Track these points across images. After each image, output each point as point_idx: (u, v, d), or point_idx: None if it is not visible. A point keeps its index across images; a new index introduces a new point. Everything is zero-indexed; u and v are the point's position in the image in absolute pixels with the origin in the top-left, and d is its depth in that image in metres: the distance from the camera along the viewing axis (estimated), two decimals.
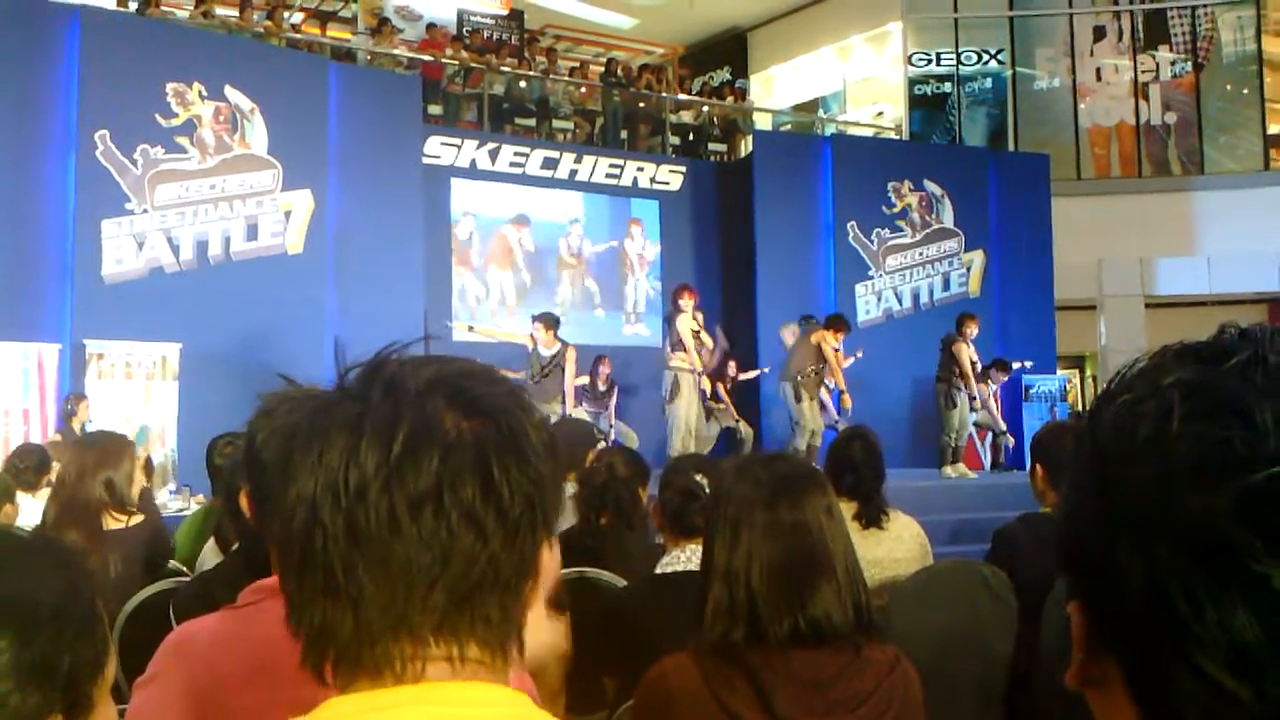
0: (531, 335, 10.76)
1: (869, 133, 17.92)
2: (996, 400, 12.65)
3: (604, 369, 11.95)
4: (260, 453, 1.71)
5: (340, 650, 0.89)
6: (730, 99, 17.07)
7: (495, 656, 0.90)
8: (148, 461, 5.19)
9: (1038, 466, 3.77)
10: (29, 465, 5.51)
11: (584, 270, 14.14)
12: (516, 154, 13.69)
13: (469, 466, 0.88)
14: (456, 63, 14.25)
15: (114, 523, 3.63)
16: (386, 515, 0.86)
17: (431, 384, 0.91)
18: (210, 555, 3.63)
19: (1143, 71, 17.93)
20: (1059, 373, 15.96)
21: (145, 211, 10.39)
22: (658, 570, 2.89)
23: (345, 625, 0.88)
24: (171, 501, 8.70)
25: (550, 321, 10.67)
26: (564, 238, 14.05)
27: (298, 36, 13.77)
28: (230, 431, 3.28)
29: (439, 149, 13.10)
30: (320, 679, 0.90)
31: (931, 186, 14.87)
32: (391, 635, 0.87)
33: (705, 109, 16.53)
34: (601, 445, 5.27)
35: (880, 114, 18.97)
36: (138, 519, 3.79)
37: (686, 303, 10.66)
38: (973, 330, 11.71)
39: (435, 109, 13.57)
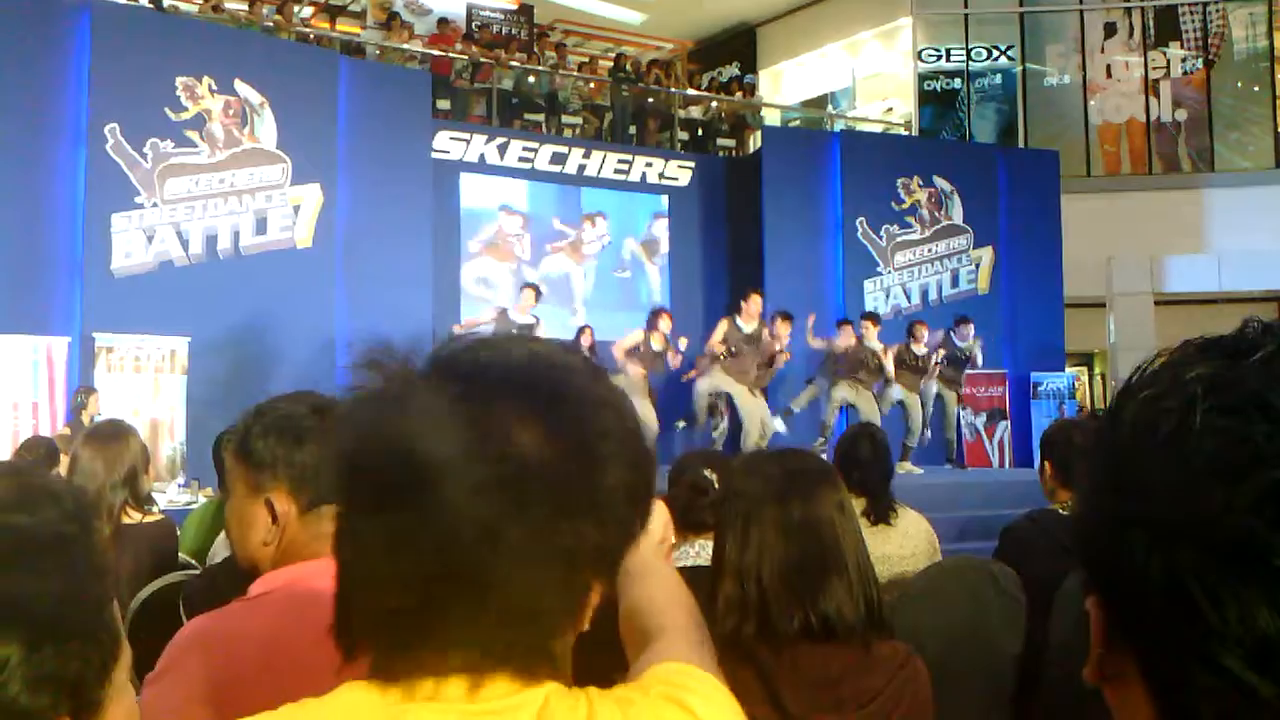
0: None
1: (878, 129, 17.88)
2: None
3: (585, 340, 11.83)
4: (250, 444, 1.74)
5: (365, 633, 0.88)
6: (739, 94, 17.04)
7: (523, 685, 0.88)
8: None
9: (1046, 464, 3.76)
10: (38, 458, 5.51)
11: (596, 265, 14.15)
12: (525, 149, 13.69)
13: (537, 500, 0.85)
14: (466, 57, 14.24)
15: (128, 518, 3.64)
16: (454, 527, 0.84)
17: (522, 387, 0.88)
18: (221, 548, 3.64)
19: (1153, 68, 17.88)
20: (1068, 370, 15.94)
21: (155, 205, 10.41)
22: None
23: (369, 609, 0.87)
24: (180, 495, 8.71)
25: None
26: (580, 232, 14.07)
27: (307, 31, 13.77)
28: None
29: (448, 144, 13.10)
30: (345, 652, 0.89)
31: (941, 183, 14.84)
32: (419, 643, 0.86)
33: (714, 104, 16.51)
34: None
35: (890, 110, 18.93)
36: (154, 517, 3.80)
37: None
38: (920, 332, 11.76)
39: (444, 104, 13.56)
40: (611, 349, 10.70)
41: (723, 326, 10.69)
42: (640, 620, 1.22)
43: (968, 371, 12.63)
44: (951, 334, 12.22)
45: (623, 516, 0.90)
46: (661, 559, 1.29)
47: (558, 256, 13.92)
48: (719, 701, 1.00)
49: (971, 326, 12.29)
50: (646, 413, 10.39)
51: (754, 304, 10.76)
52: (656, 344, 10.83)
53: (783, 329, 11.32)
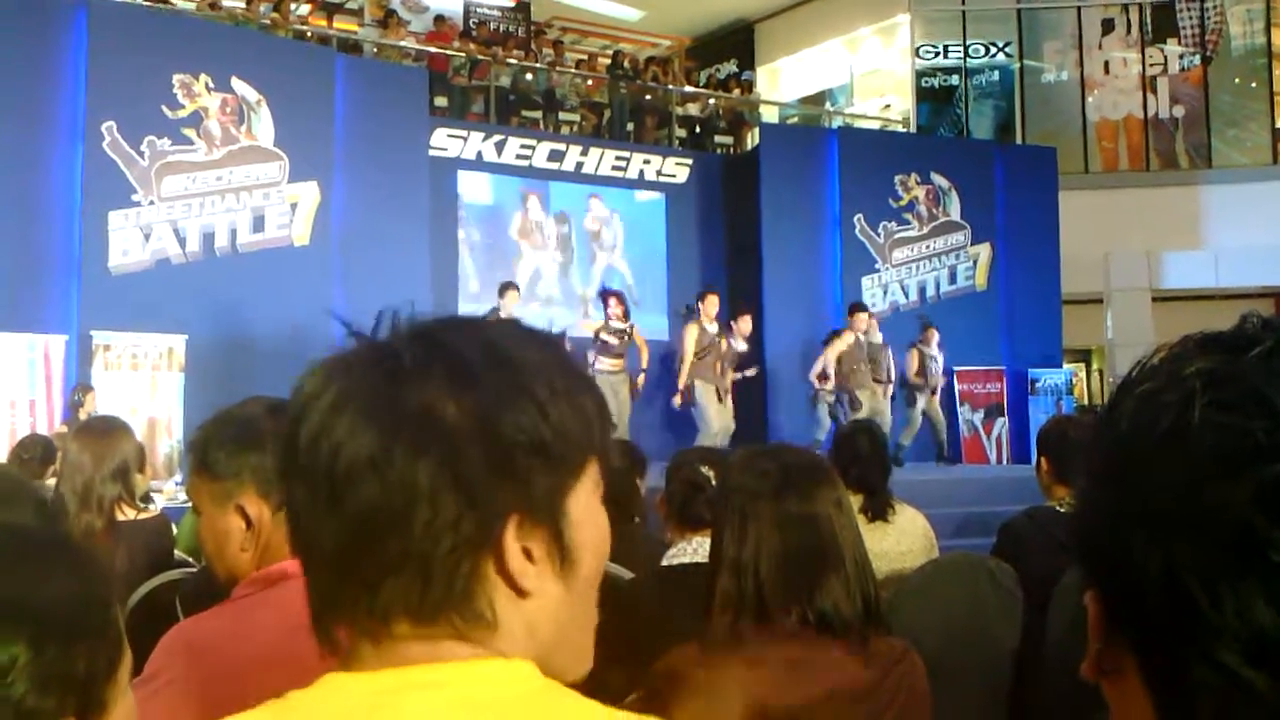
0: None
1: (876, 125, 17.88)
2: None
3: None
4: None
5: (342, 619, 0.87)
6: (737, 91, 17.05)
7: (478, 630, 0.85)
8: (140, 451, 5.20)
9: (1043, 460, 3.77)
10: (34, 456, 5.52)
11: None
12: (523, 146, 13.67)
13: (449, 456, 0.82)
14: (463, 55, 14.24)
15: (123, 515, 3.63)
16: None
17: (450, 367, 0.86)
18: None
19: (1151, 64, 17.88)
20: (1065, 366, 15.94)
21: (152, 203, 10.40)
22: (664, 562, 2.89)
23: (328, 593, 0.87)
24: (178, 492, 8.71)
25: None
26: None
27: (304, 28, 13.76)
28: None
29: (445, 141, 13.09)
30: (331, 647, 0.87)
31: (938, 179, 14.83)
32: (363, 616, 0.85)
33: (712, 101, 16.51)
34: None
35: (887, 107, 18.94)
36: (148, 513, 3.79)
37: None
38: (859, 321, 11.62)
39: (442, 101, 13.56)
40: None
41: (693, 332, 10.67)
42: None
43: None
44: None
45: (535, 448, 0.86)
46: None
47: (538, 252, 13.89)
48: None
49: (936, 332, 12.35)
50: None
51: (710, 304, 10.78)
52: (614, 329, 10.87)
53: (743, 326, 11.37)
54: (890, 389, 11.67)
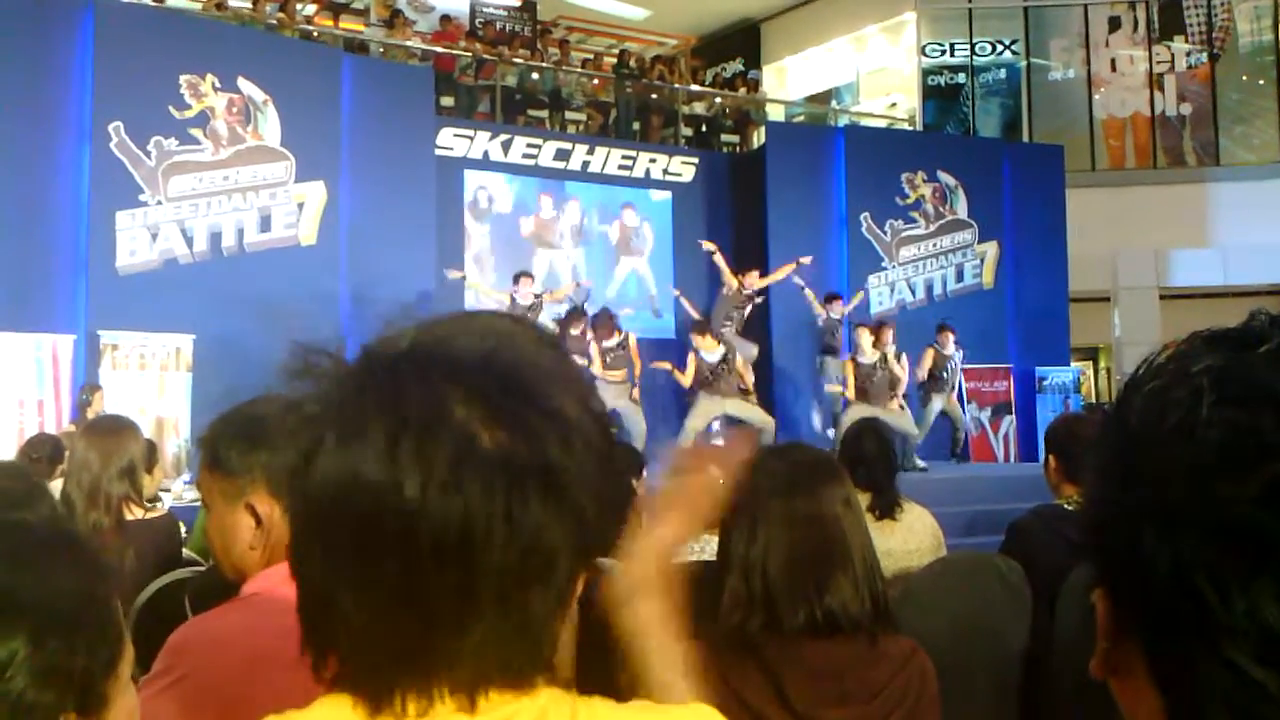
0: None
1: (882, 124, 17.87)
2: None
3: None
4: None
5: (341, 661, 0.84)
6: (743, 90, 17.04)
7: (517, 695, 0.84)
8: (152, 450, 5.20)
9: (1051, 458, 3.75)
10: (42, 455, 5.53)
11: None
12: (529, 145, 13.68)
13: (495, 506, 0.79)
14: (469, 54, 14.24)
15: (131, 514, 3.64)
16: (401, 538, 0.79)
17: (472, 388, 0.81)
18: None
19: (1158, 62, 17.84)
20: (1073, 364, 15.92)
21: (159, 203, 10.42)
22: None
23: (344, 644, 0.83)
24: (186, 492, 8.72)
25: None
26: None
27: (311, 28, 13.77)
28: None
29: (452, 140, 13.10)
30: (316, 672, 0.84)
31: (945, 177, 14.82)
32: (398, 671, 0.81)
33: (718, 100, 16.51)
34: None
35: (894, 105, 18.91)
36: (157, 512, 3.80)
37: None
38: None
39: (448, 101, 13.57)
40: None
41: (692, 360, 10.69)
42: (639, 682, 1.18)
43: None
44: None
45: (592, 494, 0.84)
46: (659, 603, 1.20)
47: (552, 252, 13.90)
48: None
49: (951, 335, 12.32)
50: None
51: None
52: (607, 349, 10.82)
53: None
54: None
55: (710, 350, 10.51)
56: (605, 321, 10.89)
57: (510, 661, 0.83)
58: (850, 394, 10.96)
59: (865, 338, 11.07)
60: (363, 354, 0.87)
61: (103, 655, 1.06)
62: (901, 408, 11.33)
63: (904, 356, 11.52)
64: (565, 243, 13.92)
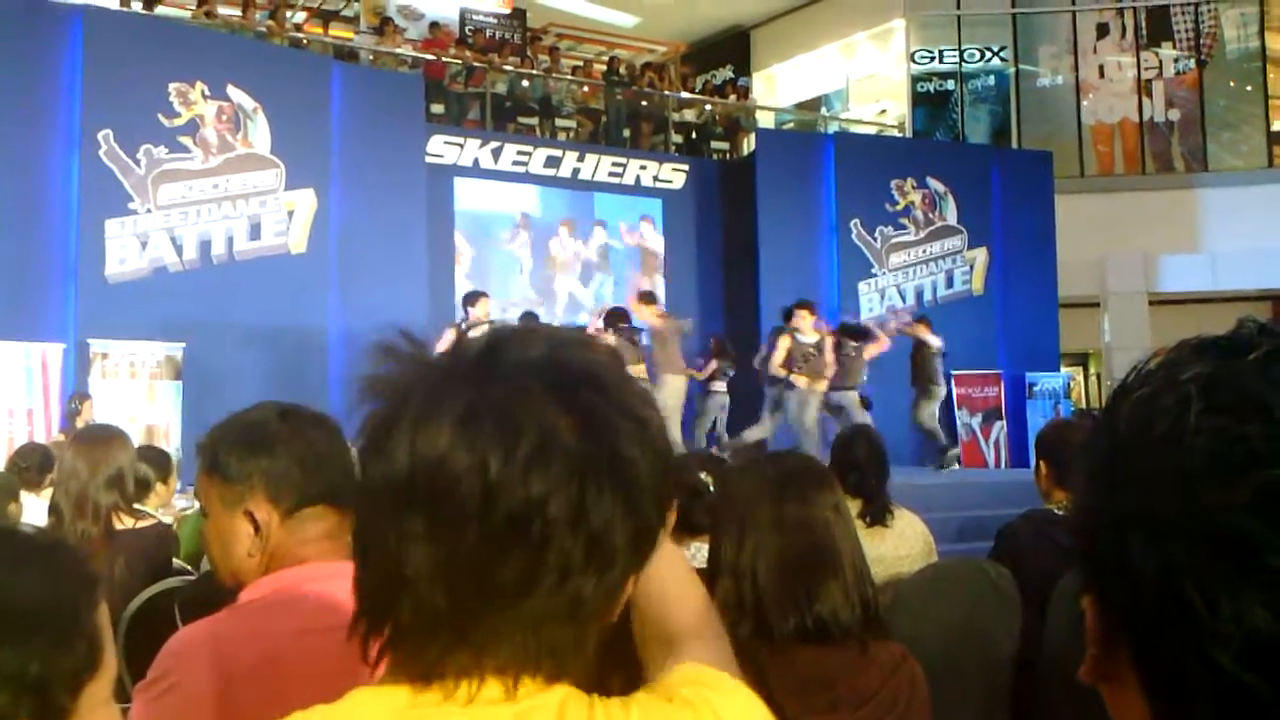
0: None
1: (872, 130, 17.92)
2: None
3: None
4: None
5: (394, 637, 0.87)
6: (733, 97, 17.07)
7: (546, 685, 0.88)
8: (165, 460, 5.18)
9: (1042, 464, 3.76)
10: (32, 464, 5.50)
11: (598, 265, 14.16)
12: (519, 153, 13.69)
13: (571, 492, 0.84)
14: (459, 62, 14.25)
15: (121, 523, 3.62)
16: (479, 525, 0.84)
17: (551, 383, 0.87)
18: None
19: (1146, 68, 17.92)
20: (1063, 370, 15.95)
21: (149, 211, 10.39)
22: None
23: (405, 614, 0.86)
24: (176, 500, 8.68)
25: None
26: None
27: (300, 36, 13.78)
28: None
29: (442, 148, 13.10)
30: (363, 652, 0.88)
31: (935, 184, 14.85)
32: (452, 643, 0.85)
33: (708, 107, 16.53)
34: None
35: (883, 112, 18.96)
36: (147, 521, 3.78)
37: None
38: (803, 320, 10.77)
39: (438, 108, 13.57)
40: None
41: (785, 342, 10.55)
42: (658, 619, 1.23)
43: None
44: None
45: (654, 497, 0.90)
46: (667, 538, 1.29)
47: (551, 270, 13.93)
48: (744, 704, 1.00)
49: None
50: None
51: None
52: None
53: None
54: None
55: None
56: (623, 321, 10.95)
57: (556, 645, 0.87)
58: (786, 372, 10.37)
59: (806, 319, 10.58)
60: (450, 348, 0.92)
61: (65, 666, 1.03)
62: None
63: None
64: (565, 254, 13.95)
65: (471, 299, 10.47)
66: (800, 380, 10.32)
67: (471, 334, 0.92)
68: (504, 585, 0.84)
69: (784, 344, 10.46)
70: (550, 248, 13.90)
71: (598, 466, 0.85)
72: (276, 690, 1.41)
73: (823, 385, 10.47)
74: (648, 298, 10.81)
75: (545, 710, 0.87)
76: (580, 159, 14.10)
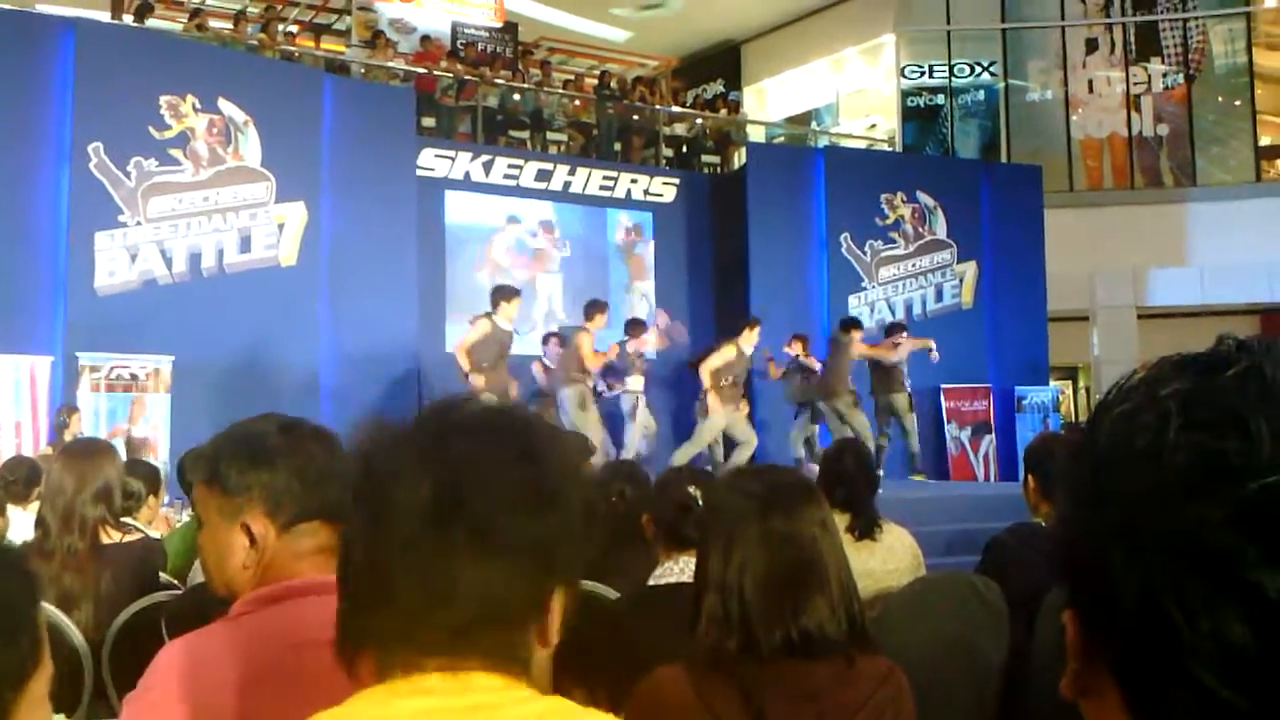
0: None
1: (862, 145, 17.96)
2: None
3: (552, 346, 11.75)
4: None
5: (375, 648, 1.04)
6: (724, 111, 17.10)
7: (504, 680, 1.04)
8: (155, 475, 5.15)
9: (1030, 477, 3.77)
10: (19, 478, 5.48)
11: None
12: (510, 166, 13.69)
13: (498, 508, 1.03)
14: (451, 75, 14.26)
15: (108, 537, 3.61)
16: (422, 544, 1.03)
17: (486, 427, 1.09)
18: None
19: (1134, 83, 18.00)
20: (1052, 384, 15.98)
21: (139, 224, 10.37)
22: (650, 582, 2.88)
23: (374, 627, 1.04)
24: (164, 513, 8.65)
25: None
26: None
27: (292, 49, 13.78)
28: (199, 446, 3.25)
29: (433, 161, 13.10)
30: (350, 670, 1.03)
31: (924, 198, 14.89)
32: (405, 645, 1.02)
33: (699, 121, 16.56)
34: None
35: (873, 126, 19.02)
36: (133, 536, 3.76)
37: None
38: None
39: (429, 121, 13.57)
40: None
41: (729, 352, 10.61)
42: None
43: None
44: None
45: (571, 514, 1.07)
46: None
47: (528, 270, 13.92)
48: None
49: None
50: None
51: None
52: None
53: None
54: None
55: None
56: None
57: (482, 644, 1.02)
58: (710, 383, 10.30)
59: (748, 333, 10.62)
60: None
61: (10, 660, 1.03)
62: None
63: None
64: (554, 266, 13.96)
65: (508, 295, 10.06)
66: (713, 399, 10.35)
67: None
68: (461, 556, 1.03)
69: (726, 354, 10.56)
70: (539, 257, 13.88)
71: (538, 490, 1.08)
72: (268, 702, 1.41)
73: (733, 410, 10.56)
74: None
75: (520, 705, 1.02)
76: (571, 172, 14.11)
